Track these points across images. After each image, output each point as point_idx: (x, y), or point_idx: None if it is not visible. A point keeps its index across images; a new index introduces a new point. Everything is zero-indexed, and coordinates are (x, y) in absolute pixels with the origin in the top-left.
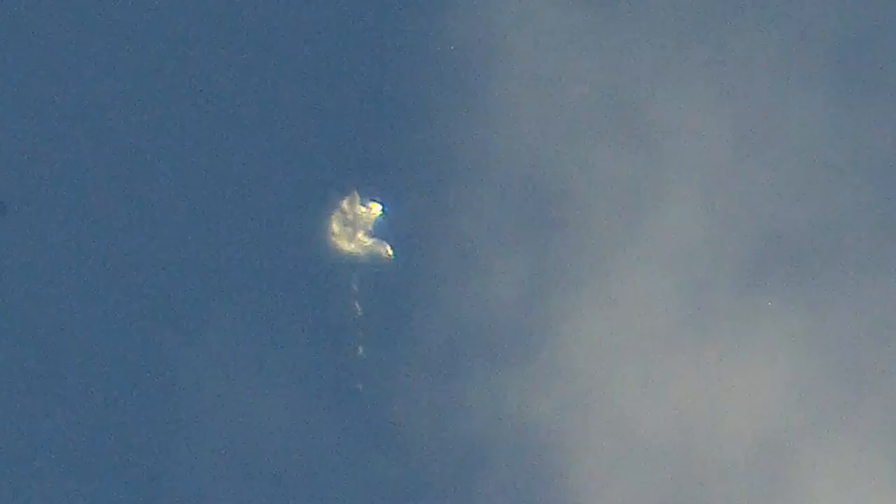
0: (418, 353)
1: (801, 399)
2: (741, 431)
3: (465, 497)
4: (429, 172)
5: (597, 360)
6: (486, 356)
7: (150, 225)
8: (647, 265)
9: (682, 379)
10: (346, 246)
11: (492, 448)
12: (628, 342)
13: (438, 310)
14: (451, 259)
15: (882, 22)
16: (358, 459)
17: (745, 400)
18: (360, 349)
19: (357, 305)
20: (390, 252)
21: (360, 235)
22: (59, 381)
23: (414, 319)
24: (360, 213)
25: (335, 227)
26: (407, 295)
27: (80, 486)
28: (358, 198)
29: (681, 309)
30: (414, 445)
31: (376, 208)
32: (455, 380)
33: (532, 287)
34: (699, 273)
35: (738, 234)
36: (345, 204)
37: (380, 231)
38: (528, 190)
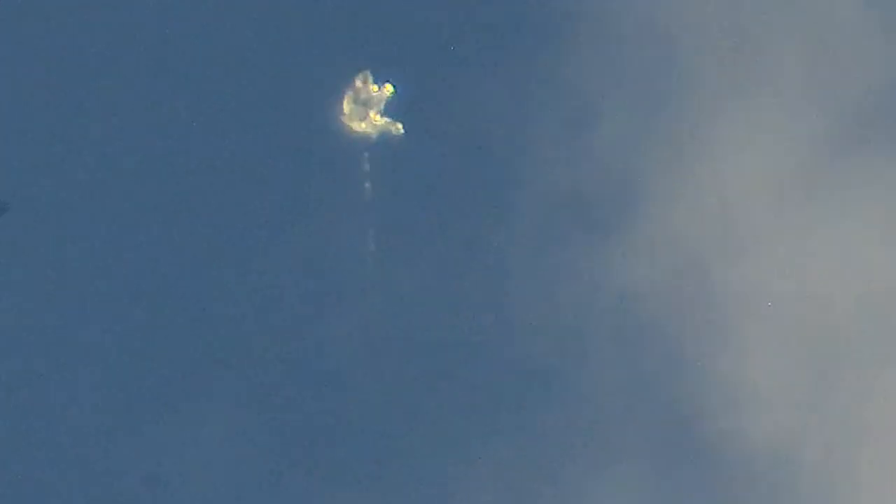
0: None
1: None
2: (852, 287)
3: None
4: (442, 53)
5: (703, 224)
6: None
7: (154, 216)
8: (750, 118)
9: (792, 238)
10: (358, 126)
11: (595, 319)
12: (733, 205)
13: (445, 194)
14: (463, 138)
15: None
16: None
17: (857, 255)
18: (371, 239)
19: (368, 186)
20: (401, 130)
21: (371, 114)
22: (60, 380)
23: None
24: (372, 92)
25: (346, 106)
26: (419, 176)
27: (80, 485)
28: (370, 77)
29: (786, 166)
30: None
31: (388, 88)
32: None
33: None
34: (804, 129)
35: (842, 89)
36: (358, 83)
37: (391, 111)
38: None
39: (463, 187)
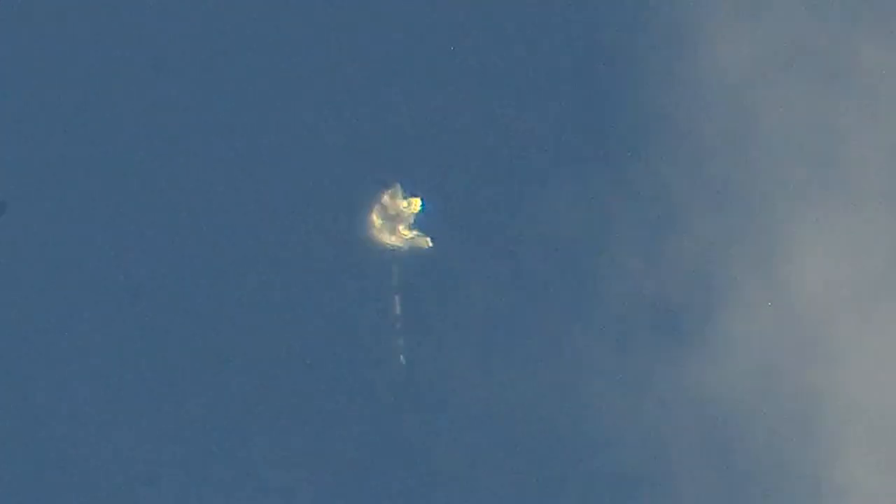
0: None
1: None
2: None
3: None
4: (470, 167)
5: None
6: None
7: (161, 222)
8: (838, 225)
9: (880, 343)
10: (387, 239)
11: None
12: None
13: (475, 303)
14: (495, 254)
15: None
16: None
17: None
18: (401, 356)
19: (397, 300)
20: (430, 244)
21: (401, 228)
22: (59, 380)
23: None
24: (401, 207)
25: (376, 220)
26: (448, 288)
27: (81, 485)
28: (400, 192)
29: (874, 271)
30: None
31: (417, 203)
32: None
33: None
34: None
35: None
36: (386, 198)
37: (421, 225)
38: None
39: (496, 298)
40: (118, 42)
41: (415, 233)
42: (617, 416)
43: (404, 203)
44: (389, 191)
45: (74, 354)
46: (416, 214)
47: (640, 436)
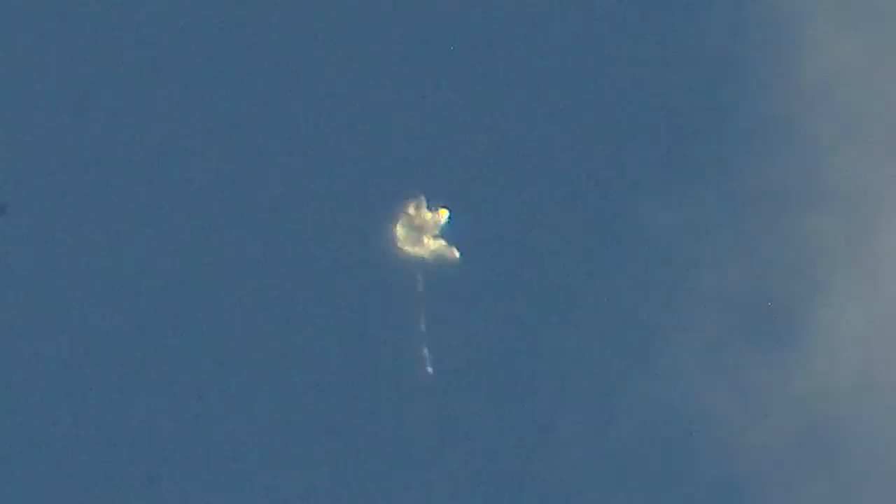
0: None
1: None
2: None
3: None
4: (497, 177)
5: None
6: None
7: (174, 230)
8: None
9: None
10: (412, 249)
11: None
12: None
13: (503, 314)
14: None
15: None
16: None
17: None
18: (428, 366)
19: (422, 318)
20: (457, 255)
21: (426, 239)
22: (59, 380)
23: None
24: (426, 218)
25: (400, 231)
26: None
27: (81, 485)
28: (425, 203)
29: None
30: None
31: (443, 214)
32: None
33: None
34: None
35: None
36: (411, 209)
37: (447, 236)
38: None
39: (524, 309)
40: (136, 44)
41: (440, 243)
42: (710, 420)
43: (429, 214)
44: (414, 202)
45: (74, 354)
46: (443, 226)
47: (738, 438)
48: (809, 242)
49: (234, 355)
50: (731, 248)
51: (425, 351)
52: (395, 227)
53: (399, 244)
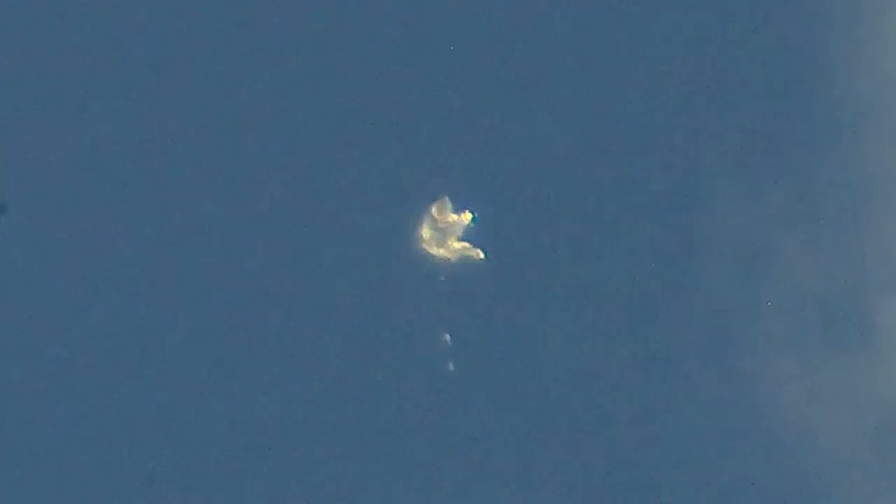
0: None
1: None
2: None
3: None
4: (523, 179)
5: None
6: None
7: (184, 230)
8: None
9: None
10: (437, 251)
11: None
12: None
13: (531, 318)
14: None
15: None
16: None
17: None
18: (451, 364)
19: (445, 311)
20: (482, 256)
21: (451, 241)
22: (59, 380)
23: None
24: (450, 220)
25: (425, 233)
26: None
27: (81, 485)
28: (449, 204)
29: None
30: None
31: (467, 216)
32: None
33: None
34: None
35: None
36: (434, 211)
37: (471, 238)
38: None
39: (554, 313)
40: (146, 39)
41: (465, 245)
42: (788, 422)
43: (454, 216)
44: (438, 202)
45: (74, 354)
46: (467, 227)
47: (808, 442)
48: (883, 241)
49: (251, 355)
50: (809, 243)
51: (451, 366)
52: (420, 228)
53: (424, 246)
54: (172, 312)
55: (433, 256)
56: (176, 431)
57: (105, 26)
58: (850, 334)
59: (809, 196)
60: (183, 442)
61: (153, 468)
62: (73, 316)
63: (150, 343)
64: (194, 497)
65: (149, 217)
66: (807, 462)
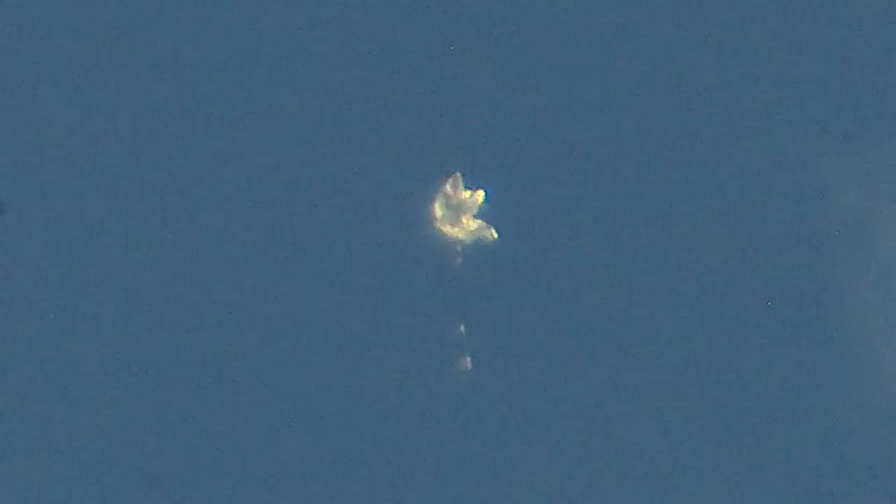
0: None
1: None
2: None
3: None
4: (535, 158)
5: None
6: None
7: (188, 215)
8: None
9: None
10: (450, 230)
11: None
12: None
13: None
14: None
15: None
16: None
17: None
18: (467, 360)
19: (462, 329)
20: (495, 235)
21: (464, 219)
22: (59, 380)
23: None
24: (463, 197)
25: (438, 210)
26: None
27: (80, 485)
28: (461, 182)
29: None
30: None
31: (481, 195)
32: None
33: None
34: None
35: None
36: (448, 188)
37: (485, 216)
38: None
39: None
40: (156, 37)
41: (479, 223)
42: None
43: (467, 193)
44: (451, 180)
45: (74, 354)
46: (481, 206)
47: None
48: None
49: (261, 340)
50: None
51: (466, 359)
52: (433, 206)
53: (437, 224)
54: (180, 307)
55: (446, 235)
56: (176, 432)
57: (105, 26)
58: None
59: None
60: (183, 442)
61: (153, 468)
62: (73, 315)
63: (150, 343)
64: (194, 497)
65: (152, 211)
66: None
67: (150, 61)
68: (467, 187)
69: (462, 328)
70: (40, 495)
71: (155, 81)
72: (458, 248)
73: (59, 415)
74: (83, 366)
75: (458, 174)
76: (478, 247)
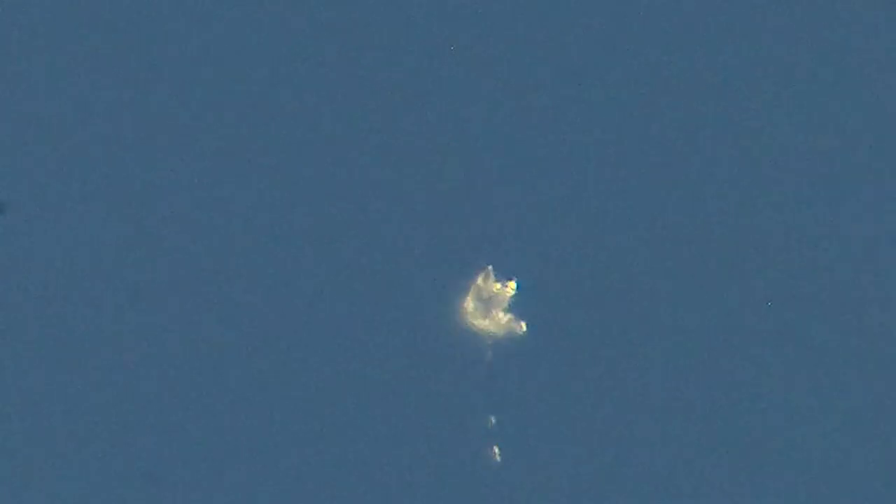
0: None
1: None
2: None
3: None
4: (567, 249)
5: None
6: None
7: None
8: None
9: None
10: (481, 323)
11: None
12: None
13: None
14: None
15: None
16: None
17: None
18: (496, 450)
19: (491, 383)
20: (524, 329)
21: (495, 312)
22: (59, 380)
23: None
24: (495, 290)
25: (470, 303)
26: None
27: (81, 485)
28: (492, 274)
29: None
30: None
31: (512, 286)
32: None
33: None
34: None
35: None
36: (480, 280)
37: (516, 309)
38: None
39: (592, 386)
40: (160, 38)
41: (510, 317)
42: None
43: (498, 285)
44: (482, 273)
45: (74, 354)
46: (511, 298)
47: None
48: None
49: (298, 417)
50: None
51: (495, 448)
52: (465, 299)
53: (468, 318)
54: (180, 307)
55: (477, 328)
56: (176, 430)
57: (105, 27)
58: None
59: None
60: (183, 440)
61: (153, 468)
62: (73, 315)
63: (150, 343)
64: (194, 495)
65: (151, 211)
66: None
67: (150, 61)
68: (497, 279)
69: (492, 420)
70: (40, 495)
71: (155, 81)
72: (489, 341)
73: (59, 414)
74: (83, 365)
75: (490, 267)
76: (508, 339)
